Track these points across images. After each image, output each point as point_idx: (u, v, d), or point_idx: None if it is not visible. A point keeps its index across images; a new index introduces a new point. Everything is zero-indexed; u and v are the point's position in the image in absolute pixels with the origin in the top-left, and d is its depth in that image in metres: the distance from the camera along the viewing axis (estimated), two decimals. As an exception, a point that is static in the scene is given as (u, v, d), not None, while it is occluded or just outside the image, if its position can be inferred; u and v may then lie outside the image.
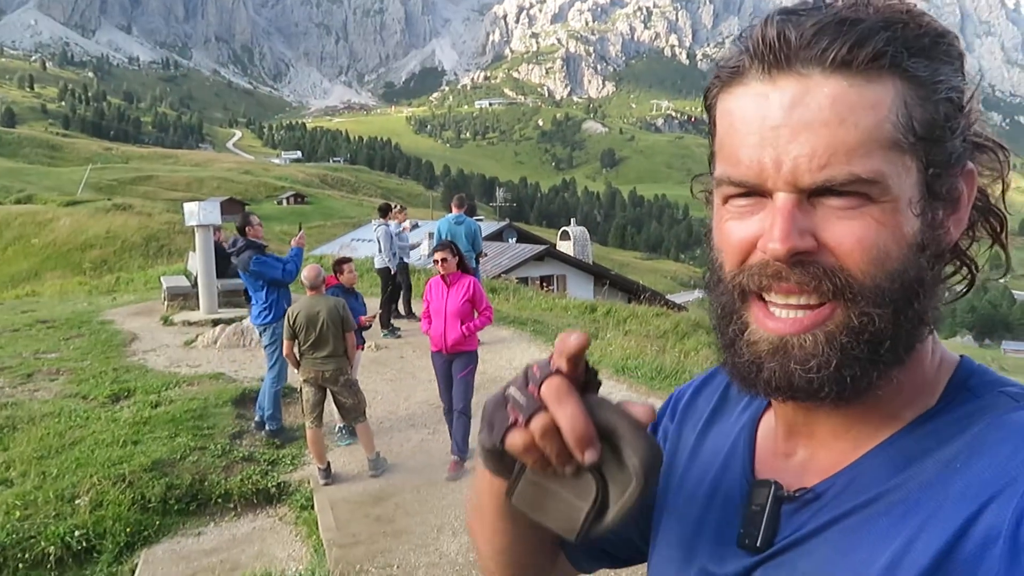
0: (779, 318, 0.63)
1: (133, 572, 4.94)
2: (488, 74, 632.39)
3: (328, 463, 5.89)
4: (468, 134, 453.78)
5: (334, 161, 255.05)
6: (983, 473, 0.58)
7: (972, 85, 0.64)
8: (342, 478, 5.91)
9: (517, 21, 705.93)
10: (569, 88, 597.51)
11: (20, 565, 4.85)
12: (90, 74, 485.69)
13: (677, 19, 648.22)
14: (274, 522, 5.57)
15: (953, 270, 0.68)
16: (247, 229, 6.89)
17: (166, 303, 13.88)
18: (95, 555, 5.09)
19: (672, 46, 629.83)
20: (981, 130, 0.66)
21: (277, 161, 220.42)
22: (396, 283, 11.44)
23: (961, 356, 0.71)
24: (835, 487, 0.67)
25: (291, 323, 5.80)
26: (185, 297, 13.71)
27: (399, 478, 5.89)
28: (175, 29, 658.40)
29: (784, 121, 0.60)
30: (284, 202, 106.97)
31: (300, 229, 7.37)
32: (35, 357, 10.06)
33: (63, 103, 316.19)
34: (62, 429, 6.86)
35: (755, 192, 0.64)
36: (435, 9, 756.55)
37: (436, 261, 5.81)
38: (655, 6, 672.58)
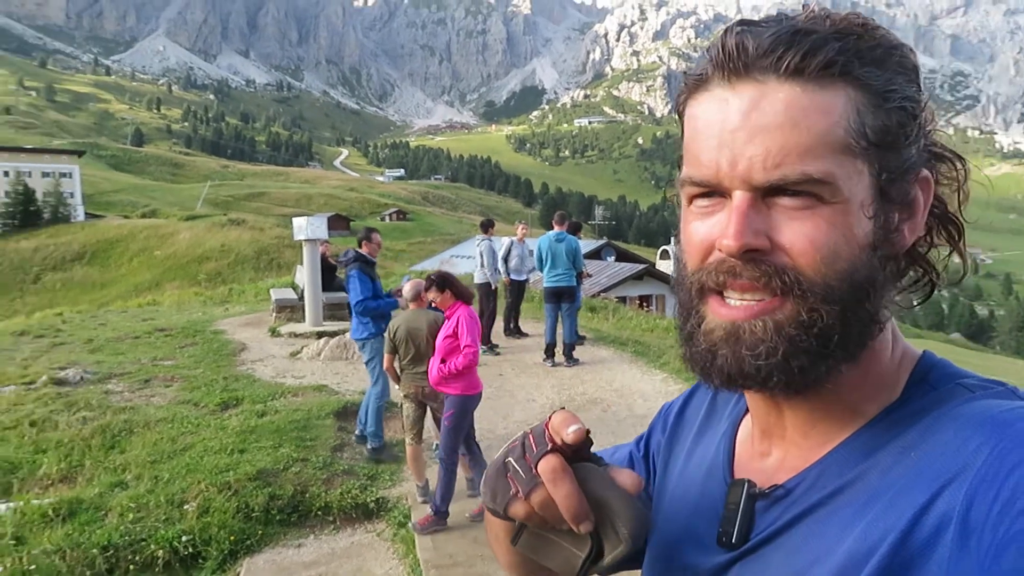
0: (732, 306, 0.66)
1: (235, 580, 5.00)
2: (588, 92, 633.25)
3: (427, 480, 5.83)
4: (567, 152, 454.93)
5: (435, 178, 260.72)
6: (936, 461, 0.60)
7: (925, 96, 0.67)
8: (440, 496, 5.82)
9: (618, 39, 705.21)
10: (670, 106, 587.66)
11: (131, 567, 4.97)
12: (211, 96, 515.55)
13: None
14: (372, 538, 5.54)
15: (916, 276, 0.72)
16: (363, 243, 6.98)
17: (274, 315, 14.33)
18: (200, 561, 5.17)
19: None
20: (939, 140, 0.69)
21: (381, 179, 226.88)
22: (503, 299, 11.33)
23: (924, 351, 0.73)
24: (805, 482, 0.70)
25: (392, 337, 5.78)
26: (292, 309, 14.11)
27: (497, 499, 5.75)
28: (289, 53, 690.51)
29: (741, 124, 0.64)
30: (387, 218, 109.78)
31: (408, 278, 7.27)
32: (152, 364, 10.53)
33: (186, 124, 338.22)
34: (174, 435, 7.08)
35: (716, 192, 0.67)
36: (536, 29, 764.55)
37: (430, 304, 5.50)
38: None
